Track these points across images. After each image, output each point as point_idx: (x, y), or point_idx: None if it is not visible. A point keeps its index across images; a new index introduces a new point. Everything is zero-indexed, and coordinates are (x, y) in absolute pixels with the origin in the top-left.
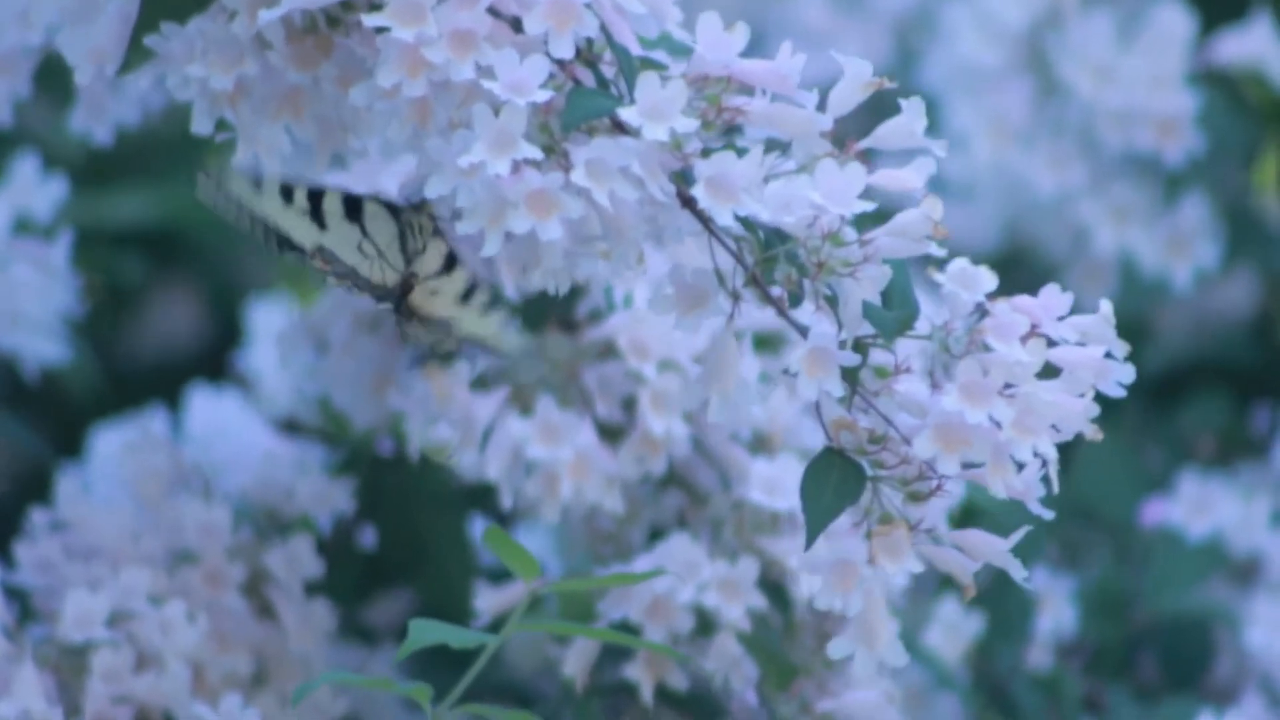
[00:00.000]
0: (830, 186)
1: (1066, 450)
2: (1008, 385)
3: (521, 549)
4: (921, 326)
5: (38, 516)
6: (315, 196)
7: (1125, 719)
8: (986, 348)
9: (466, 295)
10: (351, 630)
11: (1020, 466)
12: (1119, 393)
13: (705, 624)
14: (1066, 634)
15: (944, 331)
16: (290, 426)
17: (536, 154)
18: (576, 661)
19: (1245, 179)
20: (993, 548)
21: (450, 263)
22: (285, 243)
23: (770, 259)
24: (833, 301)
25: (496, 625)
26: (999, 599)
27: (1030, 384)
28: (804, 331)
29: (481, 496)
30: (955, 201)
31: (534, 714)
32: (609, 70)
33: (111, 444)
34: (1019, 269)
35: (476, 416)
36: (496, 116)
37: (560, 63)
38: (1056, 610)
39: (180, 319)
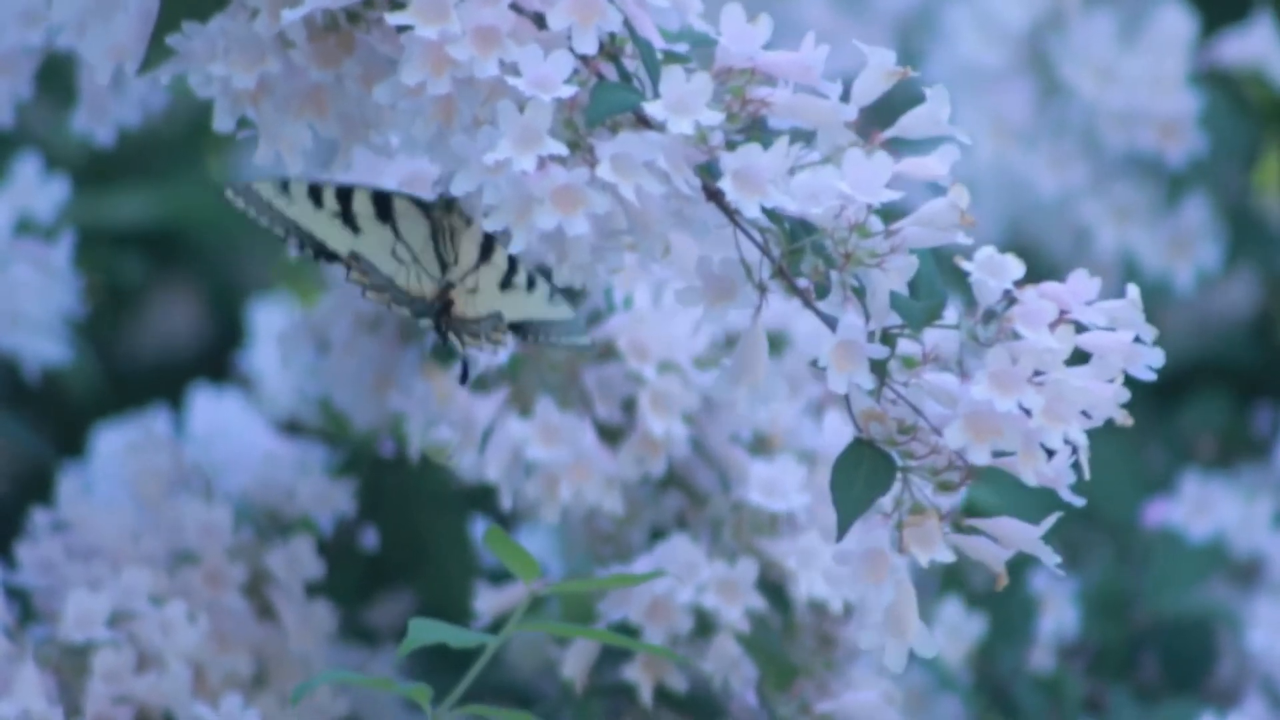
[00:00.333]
0: (858, 176)
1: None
2: (1037, 373)
3: (522, 550)
4: (948, 316)
5: (39, 517)
6: (344, 197)
7: None
8: (1015, 335)
9: (506, 281)
10: (352, 631)
11: (1050, 454)
12: (1149, 376)
13: (705, 625)
14: (1068, 635)
15: (972, 320)
16: (291, 427)
17: (562, 150)
18: (576, 662)
19: (1247, 180)
20: (1024, 536)
21: (487, 247)
22: (322, 250)
23: (797, 250)
24: (860, 293)
25: (497, 626)
26: (1001, 600)
27: (1060, 370)
28: (831, 323)
29: (482, 497)
30: None
31: (534, 715)
32: (631, 64)
33: (113, 444)
34: None
35: (476, 417)
36: (521, 113)
37: (584, 58)
38: (1058, 611)
39: (181, 319)
